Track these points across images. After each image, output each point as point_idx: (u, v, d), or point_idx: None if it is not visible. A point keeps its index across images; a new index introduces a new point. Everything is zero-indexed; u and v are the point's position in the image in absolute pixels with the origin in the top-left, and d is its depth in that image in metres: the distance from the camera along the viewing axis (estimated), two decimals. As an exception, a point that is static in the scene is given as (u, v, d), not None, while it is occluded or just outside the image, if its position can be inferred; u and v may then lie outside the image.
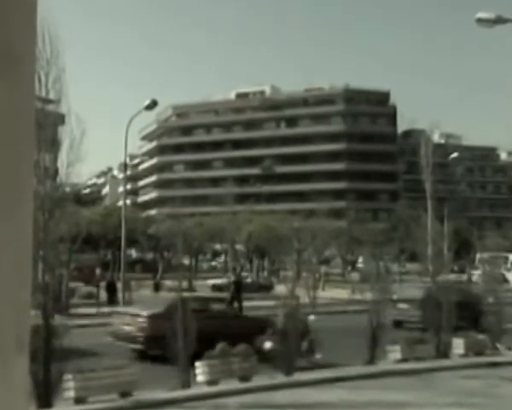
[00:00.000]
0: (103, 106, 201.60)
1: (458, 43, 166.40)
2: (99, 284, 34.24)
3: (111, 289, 32.76)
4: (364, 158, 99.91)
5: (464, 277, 47.76)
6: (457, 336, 18.56)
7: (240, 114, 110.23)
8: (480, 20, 15.29)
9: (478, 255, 50.76)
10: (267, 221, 56.62)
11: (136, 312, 18.35)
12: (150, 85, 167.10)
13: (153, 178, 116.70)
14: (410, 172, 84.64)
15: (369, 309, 17.75)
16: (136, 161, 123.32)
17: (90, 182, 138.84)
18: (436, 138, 63.42)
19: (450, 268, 25.39)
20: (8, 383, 1.26)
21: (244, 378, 14.41)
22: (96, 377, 12.50)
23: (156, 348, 16.29)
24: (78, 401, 12.11)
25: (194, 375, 14.02)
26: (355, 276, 50.64)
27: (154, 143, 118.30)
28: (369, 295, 18.34)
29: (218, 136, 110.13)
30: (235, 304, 28.32)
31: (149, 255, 65.82)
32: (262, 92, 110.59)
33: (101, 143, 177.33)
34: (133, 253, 67.15)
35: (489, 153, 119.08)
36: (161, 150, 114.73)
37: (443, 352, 18.10)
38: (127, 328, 17.70)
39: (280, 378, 14.82)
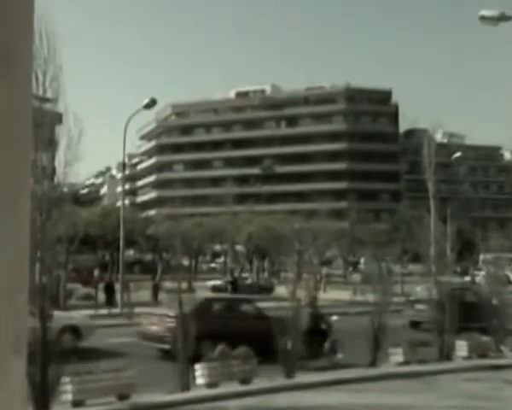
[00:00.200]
0: (102, 105, 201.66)
1: (460, 42, 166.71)
2: (97, 285, 34.14)
3: (109, 291, 32.59)
4: (366, 158, 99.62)
5: (467, 278, 47.54)
6: (461, 339, 18.41)
7: (240, 113, 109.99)
8: (483, 18, 15.12)
9: (481, 256, 50.63)
10: (267, 222, 56.38)
11: (163, 312, 18.42)
12: (150, 85, 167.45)
13: (152, 178, 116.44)
14: (413, 171, 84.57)
15: (370, 311, 17.63)
16: (135, 160, 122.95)
17: (88, 182, 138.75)
18: (439, 138, 63.40)
19: (453, 270, 25.20)
20: (5, 386, 1.26)
21: (244, 381, 14.29)
22: (93, 379, 12.39)
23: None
24: (76, 403, 12.02)
25: (194, 377, 13.87)
26: (357, 277, 50.55)
27: (153, 143, 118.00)
28: (370, 297, 18.21)
29: (217, 135, 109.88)
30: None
31: (148, 256, 65.53)
32: (262, 91, 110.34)
33: (100, 143, 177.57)
34: (132, 254, 66.96)
35: (493, 152, 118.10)
36: (160, 150, 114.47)
37: (446, 354, 17.96)
38: (155, 328, 18.01)
39: (280, 381, 14.71)
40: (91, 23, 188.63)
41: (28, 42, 1.35)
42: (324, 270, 47.67)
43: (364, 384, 14.97)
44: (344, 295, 40.30)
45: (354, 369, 16.37)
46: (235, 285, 30.72)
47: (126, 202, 52.43)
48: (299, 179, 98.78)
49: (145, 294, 35.66)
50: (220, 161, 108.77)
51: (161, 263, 46.80)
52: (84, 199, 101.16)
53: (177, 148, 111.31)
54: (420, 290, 38.08)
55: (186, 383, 13.56)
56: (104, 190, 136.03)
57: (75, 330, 18.69)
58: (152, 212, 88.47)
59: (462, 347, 18.33)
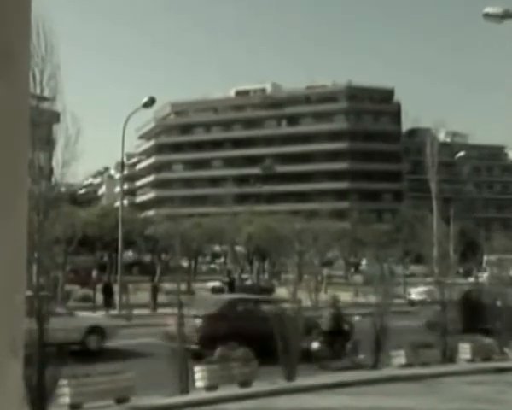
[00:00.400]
0: (101, 104, 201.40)
1: (463, 40, 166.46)
2: (95, 286, 33.99)
3: (107, 292, 32.45)
4: (368, 157, 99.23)
5: (470, 279, 47.30)
6: (464, 341, 18.23)
7: (240, 113, 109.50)
8: (487, 15, 14.94)
9: (485, 257, 50.36)
10: (268, 222, 56.20)
11: (191, 313, 18.49)
12: (149, 84, 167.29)
13: (150, 178, 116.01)
14: (415, 171, 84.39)
15: (372, 312, 17.51)
16: (134, 160, 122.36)
17: (86, 182, 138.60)
18: (442, 137, 63.25)
19: (456, 271, 25.04)
20: (1, 388, 1.24)
21: (244, 383, 14.16)
22: (91, 382, 12.31)
23: (211, 347, 16.32)
24: (74, 407, 11.98)
25: (193, 380, 13.70)
26: (358, 278, 50.30)
27: (151, 142, 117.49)
28: (372, 298, 18.06)
29: (217, 134, 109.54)
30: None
31: (147, 257, 65.23)
32: (263, 90, 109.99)
33: (98, 143, 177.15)
34: (130, 255, 66.69)
35: (496, 152, 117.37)
36: (159, 149, 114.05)
37: (449, 357, 17.79)
38: (182, 329, 18.02)
39: (281, 383, 14.58)
40: (91, 22, 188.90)
41: (26, 41, 1.35)
42: (325, 271, 47.38)
43: (366, 387, 14.84)
44: (345, 296, 40.06)
45: (356, 371, 16.22)
46: (231, 286, 30.69)
47: (125, 202, 52.13)
48: (299, 179, 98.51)
49: (144, 295, 35.29)
50: (220, 160, 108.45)
51: (160, 264, 46.55)
52: (82, 199, 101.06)
53: (177, 147, 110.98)
54: (416, 292, 37.96)
55: (185, 385, 13.39)
56: (102, 190, 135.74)
57: (100, 331, 19.32)
58: (151, 212, 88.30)
59: (465, 349, 18.15)
